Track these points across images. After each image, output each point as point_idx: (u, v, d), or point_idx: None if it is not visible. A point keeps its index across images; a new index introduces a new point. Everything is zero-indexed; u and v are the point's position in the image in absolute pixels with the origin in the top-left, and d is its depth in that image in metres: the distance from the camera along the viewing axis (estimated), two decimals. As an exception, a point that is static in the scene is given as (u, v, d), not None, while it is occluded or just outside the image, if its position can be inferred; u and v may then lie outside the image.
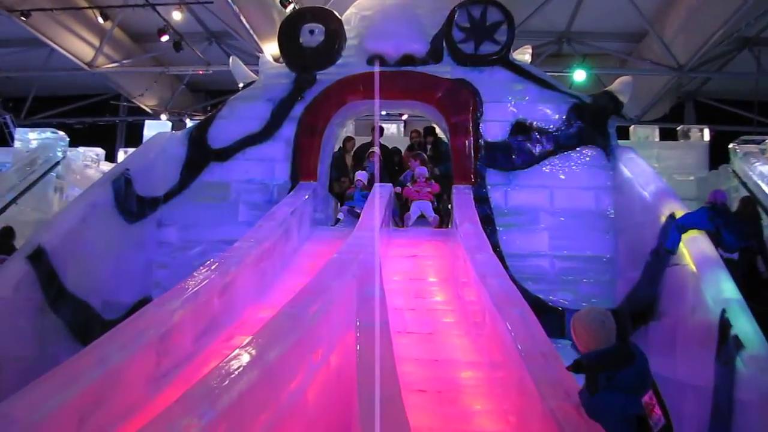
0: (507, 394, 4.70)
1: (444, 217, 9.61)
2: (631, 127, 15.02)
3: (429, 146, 11.14)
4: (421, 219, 9.47)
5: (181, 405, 3.28)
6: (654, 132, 14.61)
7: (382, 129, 12.30)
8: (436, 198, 9.78)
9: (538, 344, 4.49)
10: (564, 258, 8.49)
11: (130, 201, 8.69)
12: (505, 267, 7.33)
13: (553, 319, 7.80)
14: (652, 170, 8.34)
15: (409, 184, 9.81)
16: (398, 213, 9.78)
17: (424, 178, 9.68)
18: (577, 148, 9.01)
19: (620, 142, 9.50)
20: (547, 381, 3.91)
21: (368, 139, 11.85)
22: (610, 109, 9.17)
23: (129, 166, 8.91)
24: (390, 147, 11.73)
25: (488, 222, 8.60)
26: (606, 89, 9.59)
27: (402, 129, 17.47)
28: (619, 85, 9.34)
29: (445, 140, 10.90)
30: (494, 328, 5.15)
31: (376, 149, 10.62)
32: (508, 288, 5.62)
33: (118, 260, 8.29)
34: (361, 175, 10.17)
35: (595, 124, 9.09)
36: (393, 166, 11.39)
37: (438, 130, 11.37)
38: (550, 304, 8.14)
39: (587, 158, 8.98)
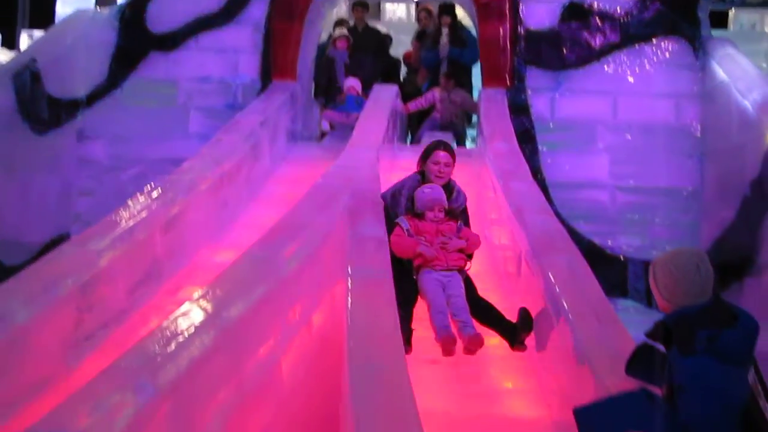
0: (548, 367, 4.76)
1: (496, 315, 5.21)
2: (731, 12, 14.83)
3: (445, 30, 10.92)
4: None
5: (110, 377, 3.28)
6: (764, 18, 14.44)
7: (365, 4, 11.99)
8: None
9: (591, 303, 4.51)
10: (629, 190, 8.53)
11: (38, 104, 8.70)
12: (549, 200, 7.38)
13: (612, 272, 7.91)
14: (758, 72, 8.28)
15: (400, 222, 5.36)
16: (405, 127, 9.49)
17: (442, 208, 5.53)
18: (653, 40, 8.98)
19: (714, 32, 9.47)
20: (603, 351, 3.93)
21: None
22: (700, -16, 9.08)
23: (36, 56, 8.91)
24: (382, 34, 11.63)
25: (528, 139, 8.64)
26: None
27: (414, 12, 17.21)
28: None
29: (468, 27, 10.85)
30: (531, 280, 5.18)
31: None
32: (552, 227, 5.63)
33: (23, 186, 8.35)
34: (353, 82, 10.18)
35: (679, 6, 9.01)
36: (392, 69, 11.34)
37: (461, 12, 11.33)
38: (608, 251, 8.22)
39: (666, 54, 8.95)
